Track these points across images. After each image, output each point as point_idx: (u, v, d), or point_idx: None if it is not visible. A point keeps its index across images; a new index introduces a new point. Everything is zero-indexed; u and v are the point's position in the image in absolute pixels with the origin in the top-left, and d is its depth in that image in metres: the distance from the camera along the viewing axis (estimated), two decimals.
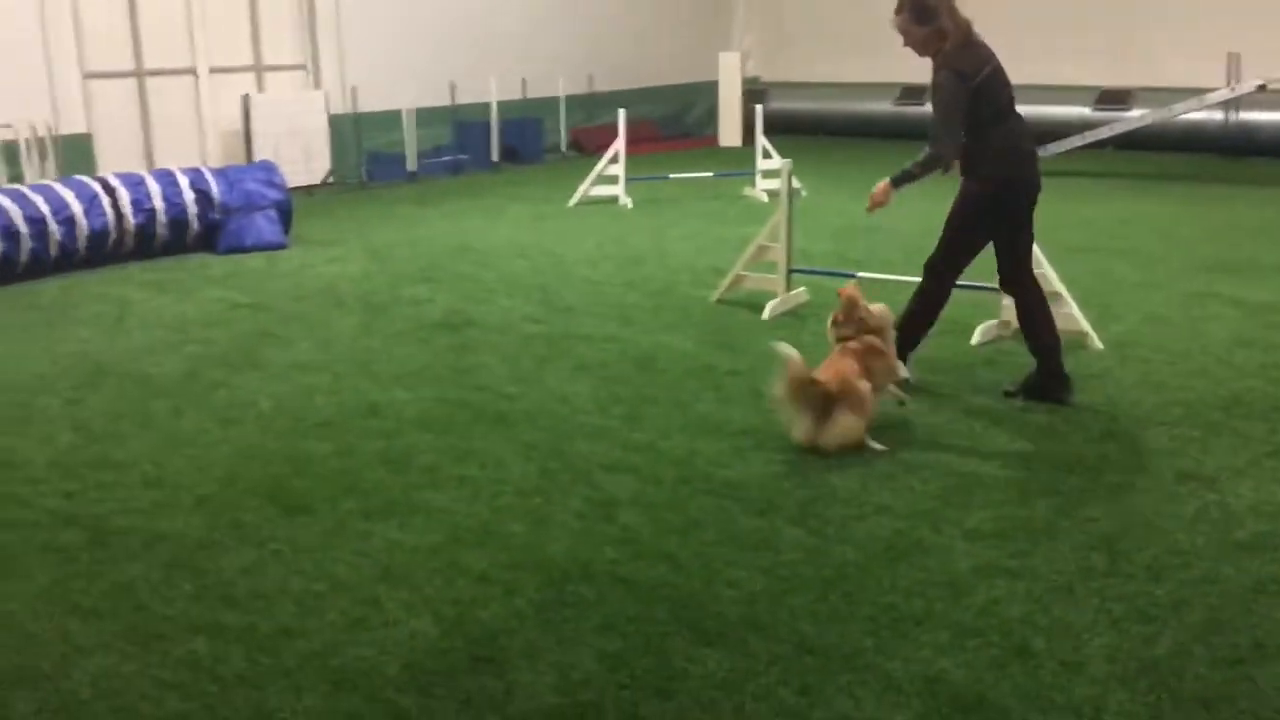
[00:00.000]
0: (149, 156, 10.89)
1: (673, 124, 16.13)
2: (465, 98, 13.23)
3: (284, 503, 4.08)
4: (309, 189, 11.40)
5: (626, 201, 10.55)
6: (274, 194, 8.76)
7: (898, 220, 9.41)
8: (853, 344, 4.71)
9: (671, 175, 11.34)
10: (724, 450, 4.53)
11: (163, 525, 3.91)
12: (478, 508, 4.04)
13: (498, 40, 13.60)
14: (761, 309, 6.54)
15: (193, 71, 11.28)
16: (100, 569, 3.59)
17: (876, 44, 16.01)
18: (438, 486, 4.22)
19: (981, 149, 4.96)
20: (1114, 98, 13.80)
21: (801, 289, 6.75)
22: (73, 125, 10.15)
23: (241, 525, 3.91)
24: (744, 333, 6.21)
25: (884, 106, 15.40)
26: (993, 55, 4.97)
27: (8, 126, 9.52)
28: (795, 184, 10.15)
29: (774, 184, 9.79)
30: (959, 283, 5.29)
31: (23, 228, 7.47)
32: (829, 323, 4.90)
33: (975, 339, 5.94)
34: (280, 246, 8.60)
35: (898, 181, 5.15)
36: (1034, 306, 5.12)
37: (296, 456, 4.53)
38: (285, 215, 8.84)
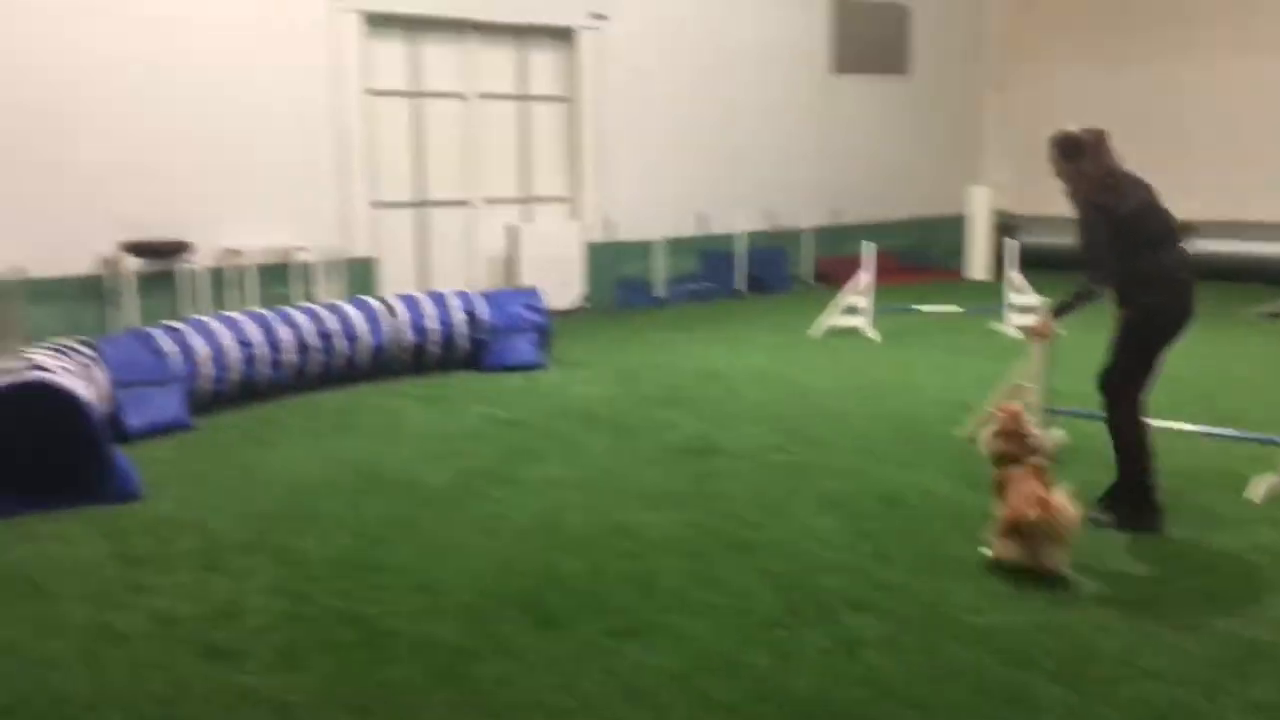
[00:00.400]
0: (425, 279, 11.78)
1: (918, 256, 16.04)
2: (713, 228, 13.67)
3: (537, 616, 4.24)
4: (565, 313, 11.99)
5: (872, 334, 10.52)
6: (535, 317, 9.28)
7: (1168, 363, 8.97)
8: (1032, 462, 4.75)
9: (917, 307, 11.25)
10: (976, 595, 4.39)
11: (427, 630, 4.14)
12: (722, 635, 4.06)
13: (747, 174, 14.03)
14: None
15: (467, 203, 12.19)
16: (371, 668, 3.83)
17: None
18: (683, 611, 4.28)
19: (1134, 278, 5.07)
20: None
21: (1059, 430, 6.51)
22: (360, 250, 11.15)
23: (498, 635, 4.08)
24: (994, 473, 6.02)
25: None
26: (1143, 187, 5.18)
27: (304, 249, 10.57)
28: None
29: (1026, 319, 9.54)
30: (1229, 432, 5.07)
31: (314, 341, 8.21)
32: (989, 433, 4.98)
33: (1258, 495, 5.53)
34: (539, 366, 9.06)
35: (1058, 312, 5.39)
36: (1126, 424, 5.12)
37: (549, 572, 4.71)
38: (544, 337, 9.33)
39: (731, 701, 3.56)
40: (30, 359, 6.11)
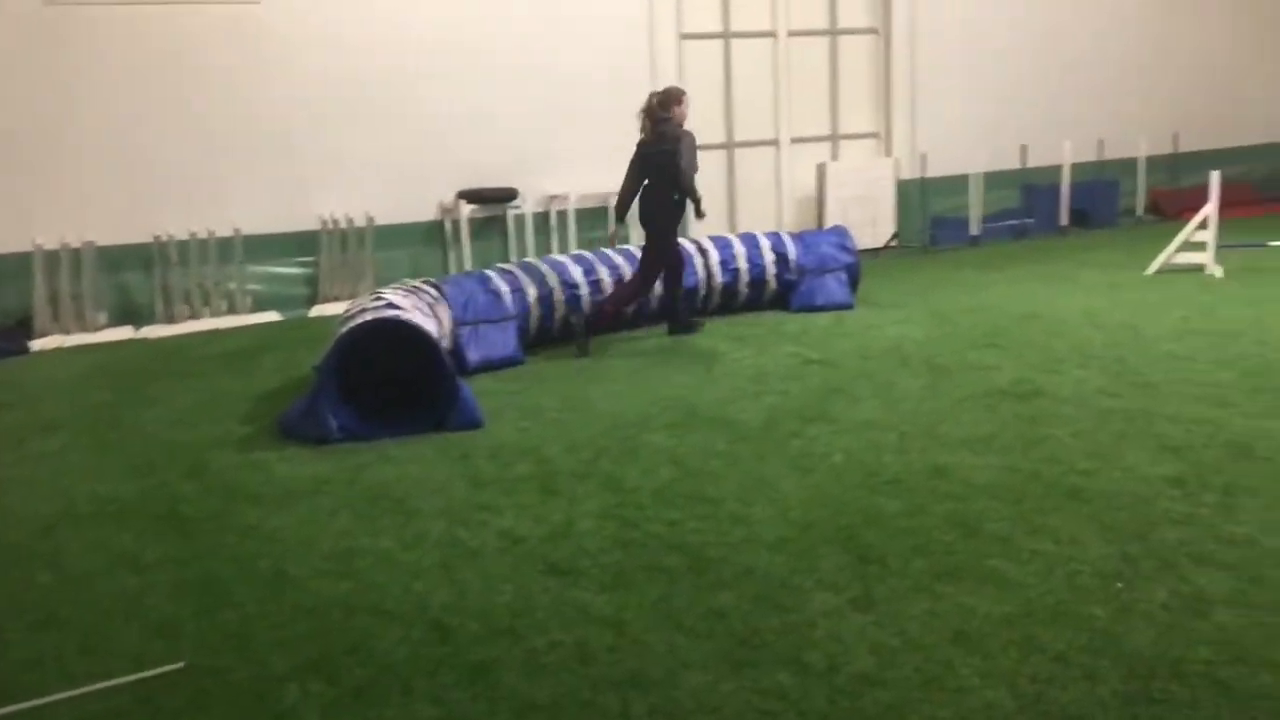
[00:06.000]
0: (732, 220, 11.92)
1: (1272, 185, 14.52)
2: (1036, 160, 12.95)
3: (857, 553, 4.27)
4: (874, 251, 11.79)
5: (1216, 270, 9.67)
6: (845, 257, 9.19)
7: None
8: None
9: (1271, 243, 10.22)
10: None
11: (749, 560, 4.26)
12: (1053, 584, 3.93)
13: (1073, 101, 13.19)
14: None
15: (775, 142, 12.18)
16: (698, 593, 4.00)
17: None
18: (1009, 557, 4.18)
19: None
20: None
21: None
22: None
23: (819, 569, 4.15)
24: None
25: None
26: None
27: None
28: None
29: None
30: None
31: None
32: None
33: None
34: (848, 307, 8.99)
35: None
36: None
37: (867, 510, 4.71)
38: (854, 277, 9.23)
39: (1065, 652, 3.45)
40: (386, 299, 6.73)
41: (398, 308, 6.50)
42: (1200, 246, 9.81)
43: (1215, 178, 9.77)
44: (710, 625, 3.75)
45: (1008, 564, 4.11)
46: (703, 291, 8.90)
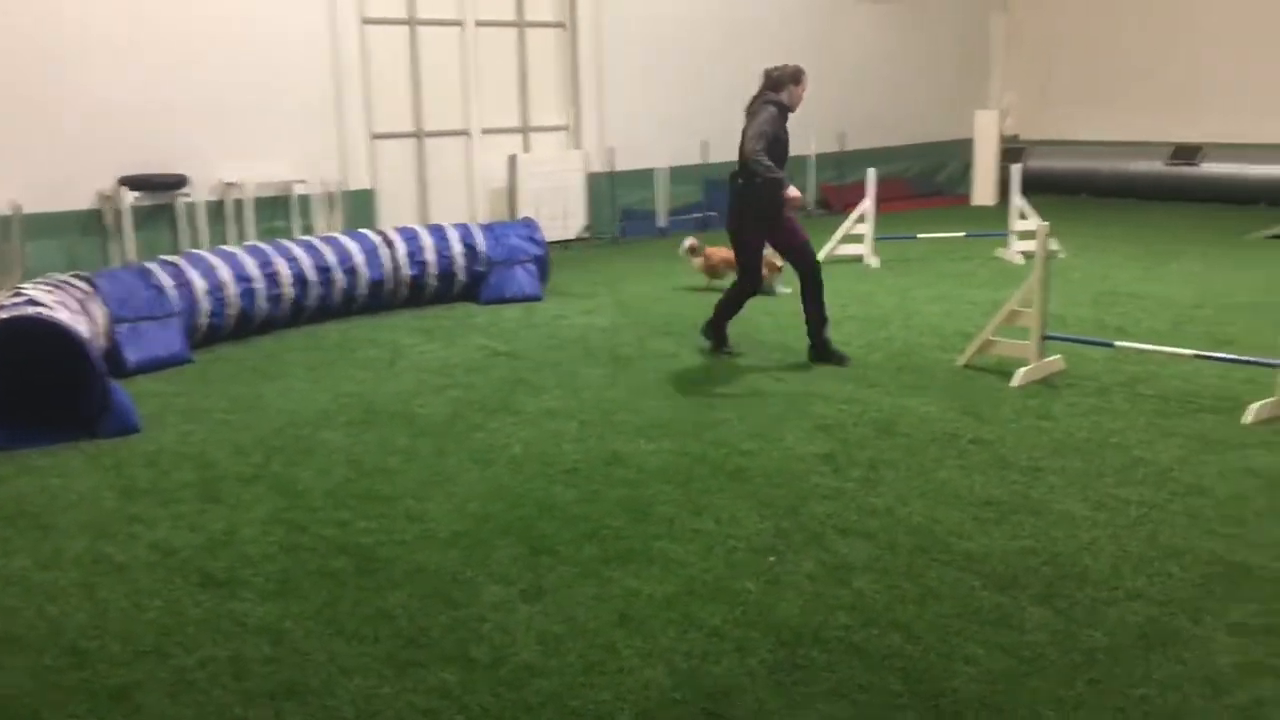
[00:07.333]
0: (424, 211, 11.72)
1: (924, 182, 15.90)
2: (717, 156, 13.53)
3: (531, 544, 4.29)
4: (566, 244, 11.95)
5: (873, 261, 10.47)
6: (534, 249, 9.24)
7: (1166, 288, 8.93)
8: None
9: (920, 235, 11.19)
10: (965, 520, 4.42)
11: (422, 558, 4.19)
12: (713, 561, 4.11)
13: (748, 99, 13.84)
14: (1010, 375, 6.34)
15: (466, 133, 12.07)
16: (366, 595, 3.89)
17: (1147, 100, 15.35)
18: (675, 538, 4.33)
19: None
20: (1185, 153, 12.99)
21: (1056, 357, 6.50)
22: (358, 182, 11.08)
23: (491, 563, 4.13)
24: (990, 400, 6.04)
25: (1154, 166, 14.66)
26: None
27: (303, 182, 10.51)
28: (1053, 246, 9.81)
29: (1029, 245, 9.51)
30: (1226, 356, 4.98)
31: (312, 275, 8.20)
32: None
33: (1252, 417, 5.54)
34: (537, 298, 9.06)
35: None
36: None
37: (543, 500, 4.75)
38: (543, 269, 9.30)
39: (719, 626, 3.61)
40: (27, 295, 6.12)
41: (40, 304, 5.93)
42: (859, 239, 10.58)
43: (872, 175, 10.57)
44: (376, 628, 3.65)
45: (673, 545, 4.26)
46: (389, 285, 8.69)
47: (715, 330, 7.24)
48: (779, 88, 6.93)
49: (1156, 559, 4.05)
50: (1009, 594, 3.80)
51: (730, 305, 7.17)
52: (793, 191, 6.61)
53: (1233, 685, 3.20)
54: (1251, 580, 3.88)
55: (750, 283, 7.06)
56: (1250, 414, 5.55)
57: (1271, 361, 5.69)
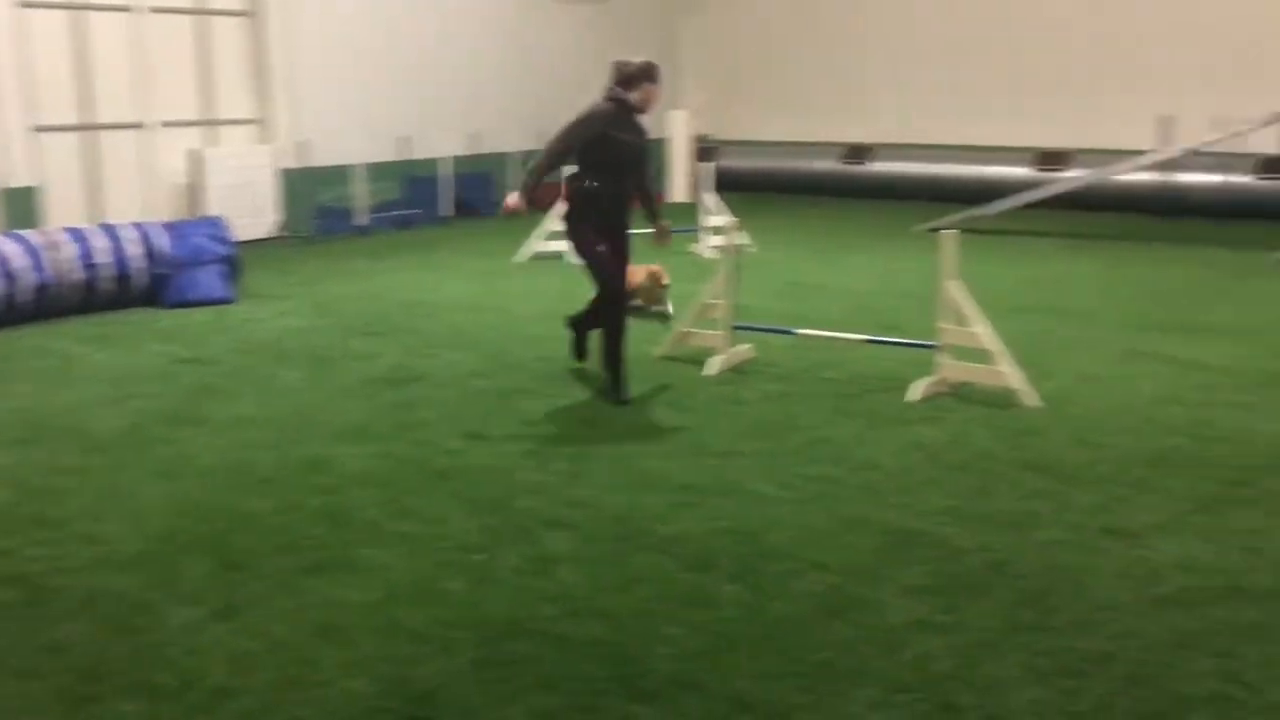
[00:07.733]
0: (97, 210, 10.84)
1: None
2: (416, 153, 13.34)
3: (223, 559, 4.07)
4: (258, 242, 11.40)
5: (573, 257, 10.62)
6: (222, 249, 8.76)
7: (845, 278, 9.62)
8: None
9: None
10: (664, 506, 4.58)
11: (99, 583, 3.88)
12: (417, 564, 4.05)
13: (449, 97, 13.74)
14: (705, 365, 6.63)
15: (141, 125, 11.27)
16: (35, 628, 3.56)
17: (823, 104, 16.41)
18: (378, 543, 4.23)
19: None
20: (1053, 159, 14.21)
21: (747, 345, 6.86)
22: (19, 178, 10.11)
23: (179, 583, 3.89)
24: (687, 388, 6.30)
25: (831, 165, 15.72)
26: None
27: None
28: (744, 240, 10.33)
29: (721, 240, 9.96)
30: (890, 340, 5.40)
31: None
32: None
33: (917, 395, 6.05)
34: (227, 301, 8.59)
35: None
36: None
37: (237, 513, 4.52)
38: (233, 269, 8.83)
39: (424, 629, 3.56)
40: None
41: None
42: (561, 235, 10.72)
43: (564, 174, 10.71)
44: (46, 662, 3.35)
45: (376, 550, 4.16)
46: (57, 290, 7.97)
47: (577, 340, 6.77)
48: (630, 85, 6.17)
49: (837, 531, 4.35)
50: (705, 574, 3.97)
51: (589, 316, 6.55)
52: (511, 199, 6.29)
53: (904, 643, 3.49)
54: (920, 545, 4.24)
55: (605, 295, 6.21)
56: (913, 391, 6.08)
57: (930, 344, 6.25)
